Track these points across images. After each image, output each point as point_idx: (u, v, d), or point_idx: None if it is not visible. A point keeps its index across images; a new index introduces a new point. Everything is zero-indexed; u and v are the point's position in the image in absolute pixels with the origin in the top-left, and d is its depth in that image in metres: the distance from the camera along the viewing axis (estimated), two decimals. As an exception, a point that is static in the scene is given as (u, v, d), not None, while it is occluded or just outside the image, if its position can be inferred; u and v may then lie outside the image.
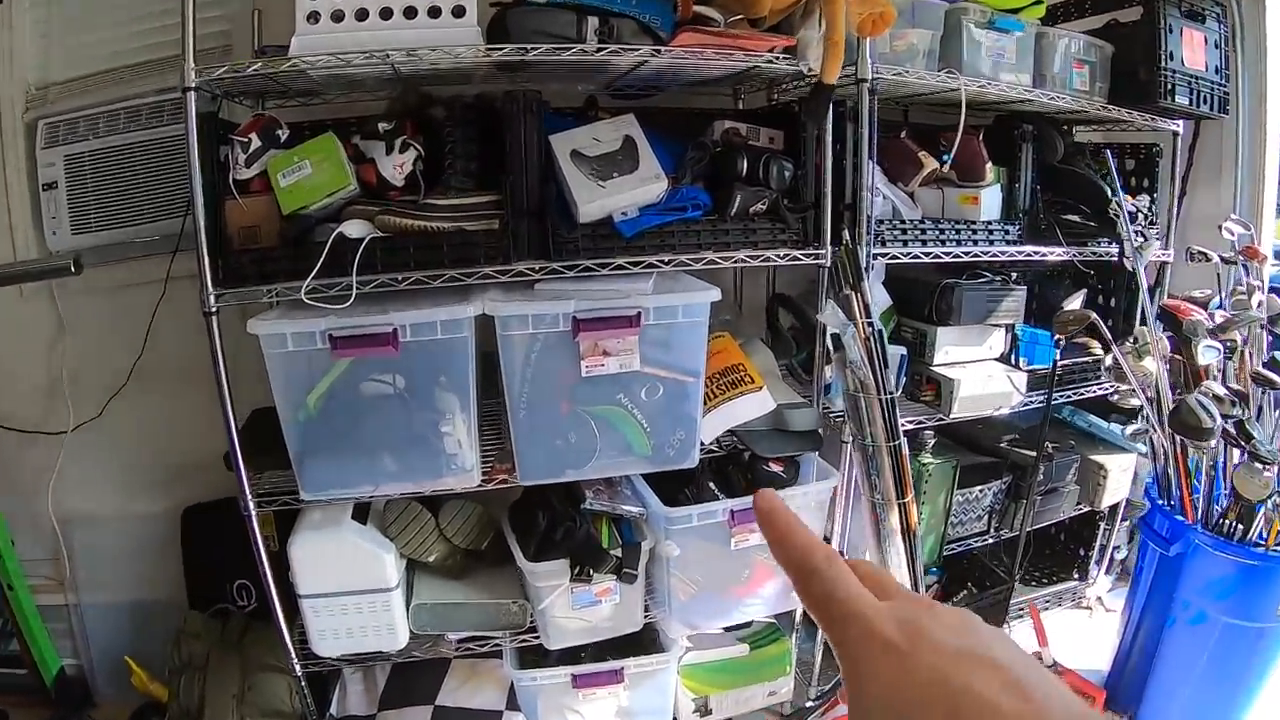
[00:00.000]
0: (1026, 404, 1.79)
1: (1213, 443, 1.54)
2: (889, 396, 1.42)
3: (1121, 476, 1.97)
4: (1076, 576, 2.20)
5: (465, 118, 1.47)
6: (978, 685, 0.28)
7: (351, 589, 1.41)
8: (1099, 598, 2.21)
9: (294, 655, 1.49)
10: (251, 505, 1.39)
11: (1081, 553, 2.18)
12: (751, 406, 1.43)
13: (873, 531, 1.44)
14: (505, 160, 1.38)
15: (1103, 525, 2.12)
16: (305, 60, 1.27)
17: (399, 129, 1.47)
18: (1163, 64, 1.77)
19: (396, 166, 1.45)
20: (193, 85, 1.26)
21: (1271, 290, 1.90)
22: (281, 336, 1.27)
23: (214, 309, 1.31)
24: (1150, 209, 2.01)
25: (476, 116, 1.48)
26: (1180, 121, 1.97)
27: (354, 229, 1.37)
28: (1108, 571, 2.21)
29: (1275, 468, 1.47)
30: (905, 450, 1.45)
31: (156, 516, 1.89)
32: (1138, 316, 1.90)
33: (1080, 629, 2.11)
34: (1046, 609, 2.15)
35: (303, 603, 1.42)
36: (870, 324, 1.41)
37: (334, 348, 1.27)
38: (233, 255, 1.37)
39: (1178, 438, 1.61)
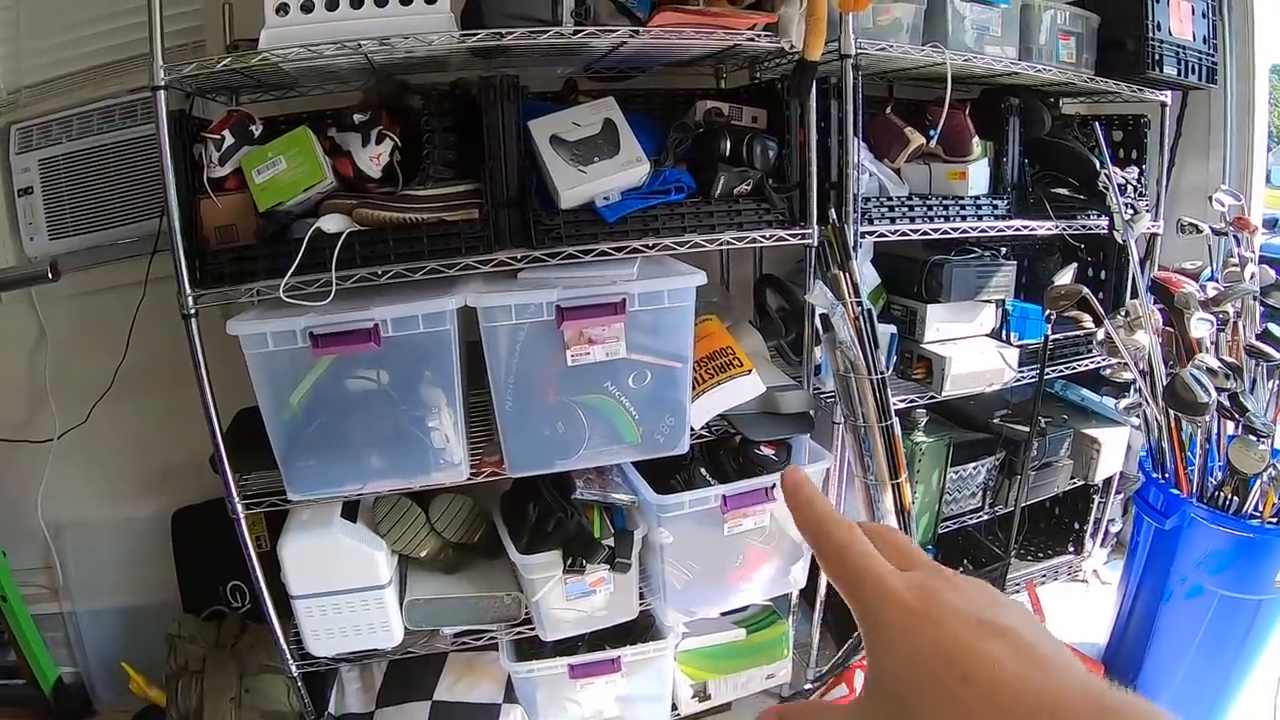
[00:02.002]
0: (1019, 380, 1.78)
1: (1207, 417, 1.53)
2: (880, 376, 1.41)
3: (1115, 449, 1.97)
4: (1072, 550, 2.20)
5: (442, 106, 1.44)
6: (991, 651, 0.28)
7: (344, 588, 1.40)
8: (1095, 571, 2.22)
9: (289, 656, 1.48)
10: (239, 508, 1.38)
11: (1076, 526, 2.19)
12: (741, 390, 1.41)
13: (867, 513, 1.43)
14: (484, 148, 1.35)
15: (1097, 498, 2.12)
16: (276, 54, 1.24)
17: (374, 120, 1.44)
18: (1150, 34, 1.75)
19: (373, 158, 1.42)
20: (162, 84, 1.23)
21: (1263, 261, 1.89)
22: (261, 336, 1.24)
23: (192, 310, 1.29)
24: (1140, 180, 1.99)
25: (453, 105, 1.45)
26: (1168, 92, 1.94)
27: (331, 224, 1.34)
28: (1103, 544, 2.22)
29: (1270, 441, 1.47)
30: (898, 430, 1.44)
31: (147, 520, 1.88)
32: (1129, 290, 1.89)
33: (1077, 602, 2.12)
34: (1043, 583, 2.15)
35: (295, 603, 1.40)
36: (859, 303, 1.40)
37: (315, 345, 1.25)
38: (210, 255, 1.35)
39: (1171, 412, 1.60)
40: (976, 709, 0.28)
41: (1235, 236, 1.88)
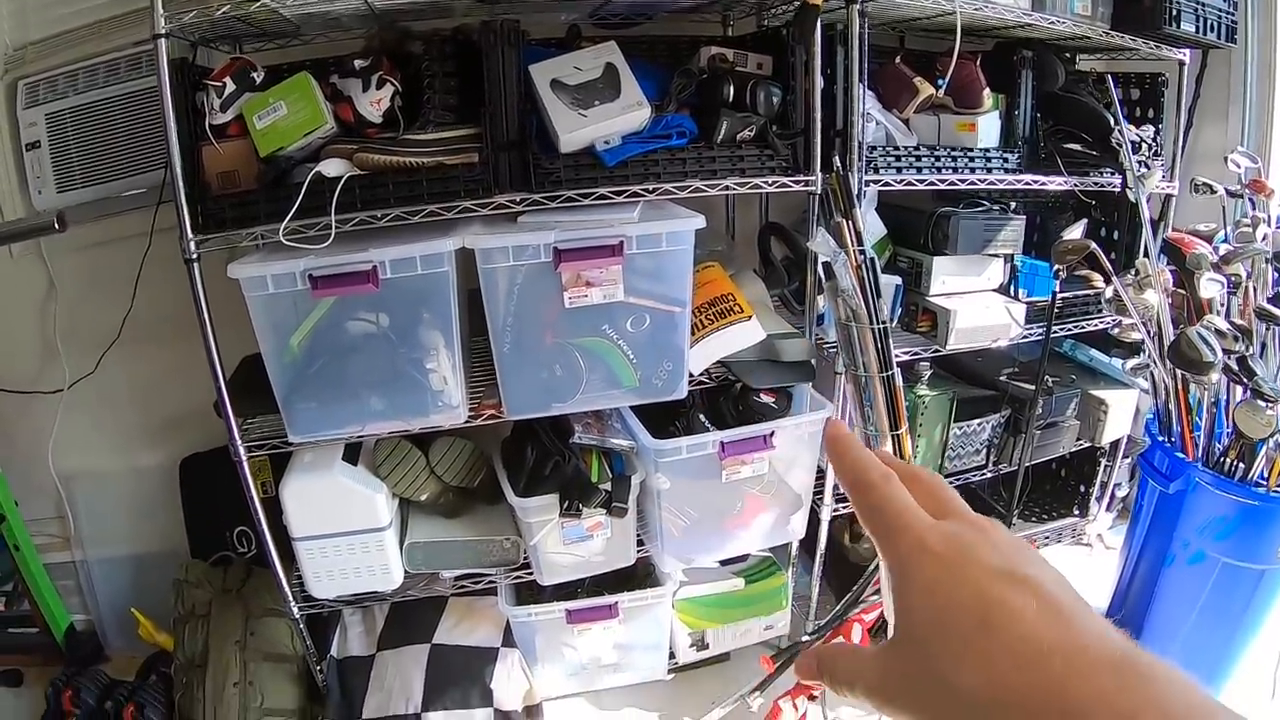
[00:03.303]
0: (1025, 336, 1.76)
1: (1213, 377, 1.50)
2: (881, 326, 1.40)
3: (1123, 412, 1.94)
4: (1077, 513, 2.18)
5: (443, 52, 1.44)
6: (1013, 600, 0.29)
7: (344, 530, 1.42)
8: (1099, 535, 2.20)
9: (292, 599, 1.51)
10: (242, 451, 1.39)
11: (1082, 489, 2.17)
12: (741, 336, 1.40)
13: (866, 463, 1.43)
14: (484, 93, 1.34)
15: (1104, 462, 2.10)
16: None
17: (375, 66, 1.43)
18: (1168, -12, 1.70)
19: (374, 103, 1.42)
20: (162, 32, 1.22)
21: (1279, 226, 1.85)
22: (262, 279, 1.25)
23: (194, 255, 1.30)
24: (1155, 140, 1.95)
25: (455, 50, 1.44)
26: (1186, 51, 1.89)
27: (332, 168, 1.34)
28: (1108, 509, 2.20)
29: (1278, 406, 1.44)
30: (899, 381, 1.43)
31: (156, 469, 1.91)
32: (1140, 249, 1.85)
33: (1080, 566, 2.11)
34: (1046, 545, 2.14)
35: (297, 545, 1.42)
36: (862, 252, 1.39)
37: (314, 287, 1.26)
38: (211, 200, 1.35)
39: (1179, 373, 1.58)
40: (994, 654, 0.28)
41: (1251, 199, 1.84)
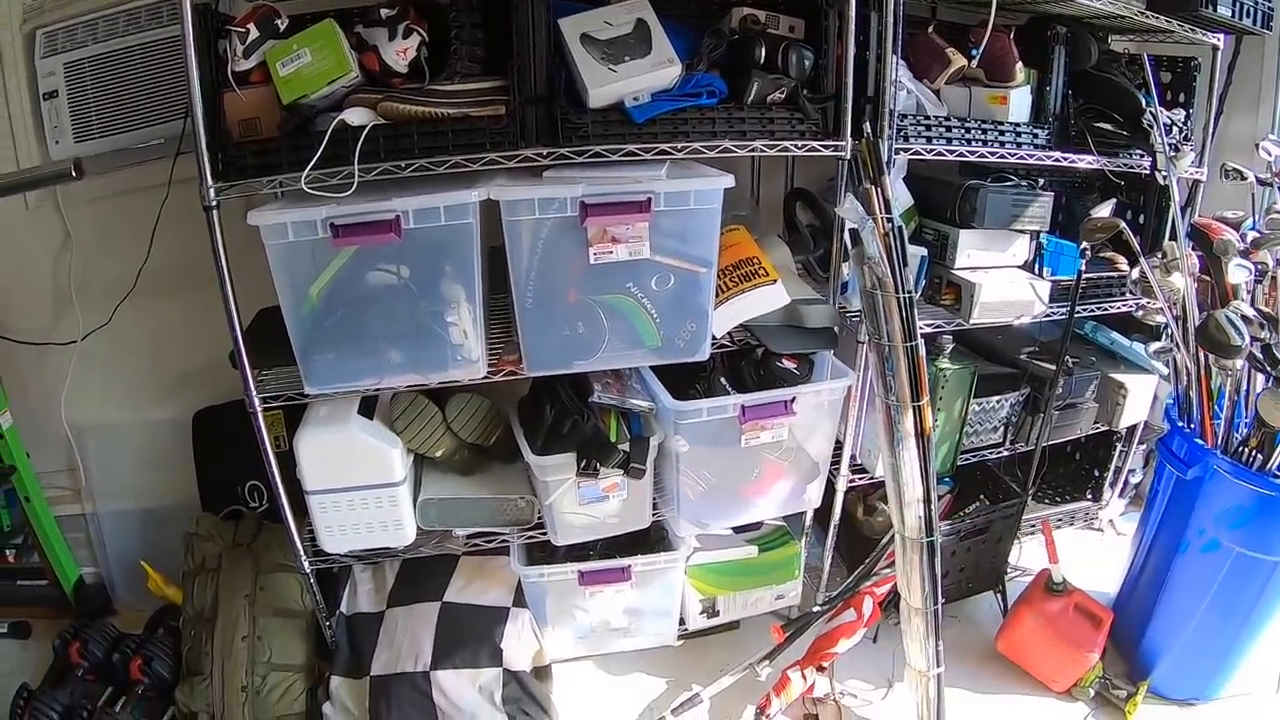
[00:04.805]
0: (1048, 315, 1.75)
1: (1239, 362, 1.49)
2: (907, 295, 1.38)
3: (1142, 397, 1.94)
4: (1090, 497, 2.19)
5: (471, 3, 1.42)
6: None
7: (358, 484, 1.42)
8: (1111, 521, 2.20)
9: (303, 553, 1.51)
10: (257, 403, 1.39)
11: (1096, 473, 2.17)
12: (765, 300, 1.39)
13: (886, 434, 1.41)
14: (512, 45, 1.33)
15: (1119, 447, 2.09)
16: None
17: (402, 15, 1.41)
18: (1207, -29, 1.67)
19: (400, 53, 1.40)
20: None
21: None
22: (282, 227, 1.24)
23: (214, 202, 1.29)
24: (1185, 124, 1.94)
25: (483, 1, 1.42)
26: (1221, 36, 1.87)
27: (356, 117, 1.33)
28: (1121, 495, 2.20)
29: None
30: (922, 352, 1.42)
31: (169, 422, 1.92)
32: (1167, 234, 1.84)
33: (1092, 550, 2.11)
34: (1058, 527, 2.15)
35: (309, 499, 1.42)
36: (890, 219, 1.37)
37: (335, 236, 1.25)
38: (232, 148, 1.34)
39: (1202, 358, 1.56)
40: None
41: (1280, 187, 1.82)
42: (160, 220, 1.71)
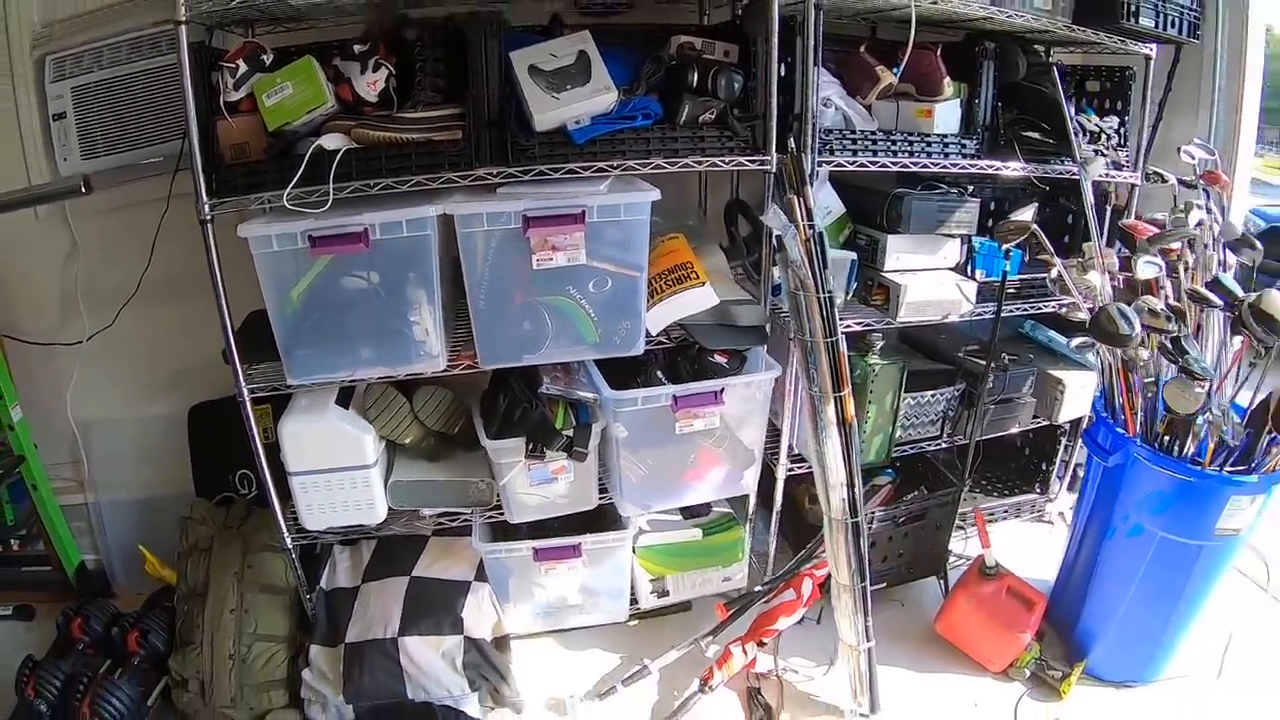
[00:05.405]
0: (980, 314, 1.84)
1: (1143, 353, 1.57)
2: (826, 295, 1.51)
3: (1081, 392, 2.01)
4: (1038, 490, 2.27)
5: (434, 39, 1.57)
6: None
7: (335, 466, 1.57)
8: (1061, 513, 2.27)
9: (286, 530, 1.65)
10: (246, 393, 1.54)
11: (1044, 467, 2.25)
12: (695, 300, 1.53)
13: (811, 422, 1.54)
14: (469, 77, 1.47)
15: (1063, 440, 2.18)
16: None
17: (372, 50, 1.57)
18: (1127, -16, 1.75)
19: (370, 84, 1.55)
20: (183, 18, 1.36)
21: (1261, 218, 1.89)
22: (267, 238, 1.40)
23: (208, 217, 1.45)
24: (1119, 131, 2.03)
25: (444, 37, 1.57)
26: (1154, 45, 1.95)
27: (331, 142, 1.48)
28: (1070, 488, 2.26)
29: (1208, 384, 1.48)
30: (843, 347, 1.54)
31: (166, 418, 2.06)
32: (1092, 233, 1.92)
33: (1040, 541, 2.19)
34: (1006, 519, 2.23)
35: (292, 480, 1.58)
36: (811, 226, 1.49)
37: (313, 246, 1.41)
38: (224, 169, 1.49)
39: (1119, 351, 1.64)
40: None
41: (1205, 190, 1.90)
42: (160, 231, 1.85)
